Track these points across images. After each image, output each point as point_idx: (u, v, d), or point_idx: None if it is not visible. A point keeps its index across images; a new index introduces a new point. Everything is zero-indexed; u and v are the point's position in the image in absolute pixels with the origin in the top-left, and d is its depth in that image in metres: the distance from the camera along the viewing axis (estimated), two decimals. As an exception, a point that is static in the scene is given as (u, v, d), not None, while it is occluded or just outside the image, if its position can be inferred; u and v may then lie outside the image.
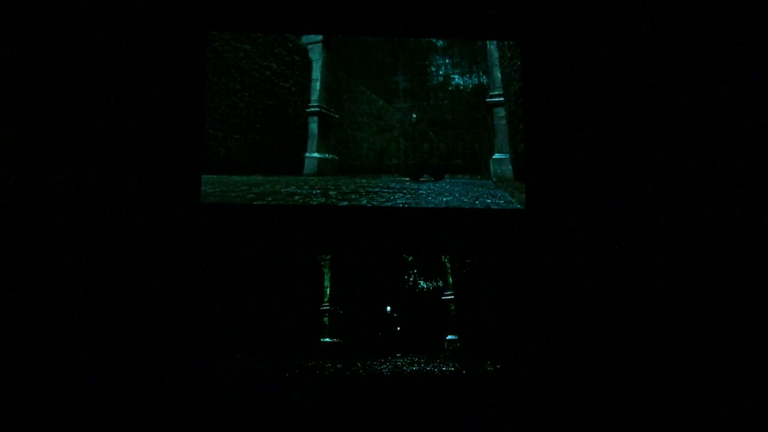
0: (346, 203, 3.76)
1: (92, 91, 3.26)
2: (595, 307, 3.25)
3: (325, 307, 3.52)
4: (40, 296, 3.05)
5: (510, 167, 4.51)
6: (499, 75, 4.98)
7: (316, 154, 5.34)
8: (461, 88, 5.54)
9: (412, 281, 3.61)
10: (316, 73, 5.70)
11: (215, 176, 3.72)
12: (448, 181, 4.44)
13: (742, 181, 3.32)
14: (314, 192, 4.11)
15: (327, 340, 3.47)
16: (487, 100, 4.99)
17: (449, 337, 3.50)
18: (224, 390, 3.12)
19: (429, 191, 4.19)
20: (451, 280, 3.59)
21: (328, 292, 3.54)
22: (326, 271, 3.56)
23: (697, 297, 3.22)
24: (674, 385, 3.12)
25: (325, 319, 3.50)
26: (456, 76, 5.54)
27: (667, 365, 3.15)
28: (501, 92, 4.89)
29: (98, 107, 3.26)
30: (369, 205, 3.70)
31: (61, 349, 3.02)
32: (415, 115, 4.89)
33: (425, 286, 3.60)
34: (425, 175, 4.78)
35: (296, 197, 3.92)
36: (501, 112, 4.72)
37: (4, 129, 3.19)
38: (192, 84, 3.38)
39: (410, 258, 3.61)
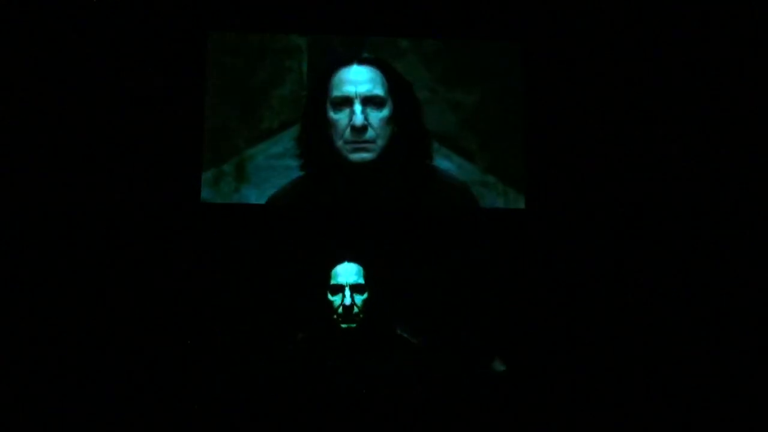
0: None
1: (91, 90, 3.27)
2: (596, 307, 3.25)
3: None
4: (38, 296, 3.06)
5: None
6: (500, 75, 4.97)
7: (316, 154, 5.33)
8: (461, 88, 5.54)
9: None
10: (316, 73, 5.69)
11: (215, 176, 3.71)
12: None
13: (743, 181, 3.32)
14: (314, 192, 4.09)
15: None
16: (487, 100, 4.97)
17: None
18: (223, 390, 3.12)
19: (429, 191, 4.17)
20: (450, 280, 3.57)
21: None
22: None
23: (698, 297, 3.22)
24: (675, 386, 3.12)
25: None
26: (456, 77, 5.53)
27: (669, 365, 3.15)
28: (501, 92, 4.87)
29: (98, 107, 3.26)
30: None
31: (59, 349, 3.02)
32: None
33: (425, 285, 3.58)
34: None
35: (296, 197, 3.91)
36: (501, 112, 4.70)
37: (3, 128, 3.19)
38: (192, 84, 3.39)
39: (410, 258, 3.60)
